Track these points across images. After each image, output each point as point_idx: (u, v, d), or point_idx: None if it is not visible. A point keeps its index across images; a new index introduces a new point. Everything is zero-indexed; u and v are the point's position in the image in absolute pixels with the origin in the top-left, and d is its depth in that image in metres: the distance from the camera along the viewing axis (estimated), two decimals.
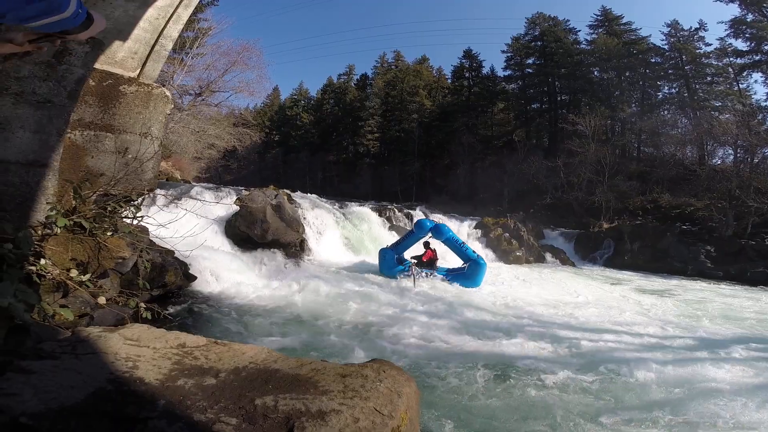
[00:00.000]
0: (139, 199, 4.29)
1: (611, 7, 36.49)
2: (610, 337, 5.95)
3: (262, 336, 4.76)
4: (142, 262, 4.20)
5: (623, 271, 15.42)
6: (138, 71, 4.70)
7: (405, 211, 16.78)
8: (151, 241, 4.82)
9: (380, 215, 14.38)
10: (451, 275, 9.22)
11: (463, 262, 9.75)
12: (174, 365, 2.02)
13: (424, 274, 9.02)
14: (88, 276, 3.31)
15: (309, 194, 15.12)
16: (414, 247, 10.25)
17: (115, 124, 4.43)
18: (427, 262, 9.54)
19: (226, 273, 6.92)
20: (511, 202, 26.14)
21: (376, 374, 2.18)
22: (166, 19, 4.56)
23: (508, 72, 39.92)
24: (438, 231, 9.87)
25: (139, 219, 4.24)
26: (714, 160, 24.77)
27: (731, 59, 29.30)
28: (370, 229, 12.71)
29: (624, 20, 35.49)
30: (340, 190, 37.08)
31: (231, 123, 23.73)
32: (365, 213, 13.52)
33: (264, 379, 2.07)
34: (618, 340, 5.82)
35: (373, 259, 11.12)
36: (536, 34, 38.11)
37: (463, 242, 10.33)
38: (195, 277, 6.24)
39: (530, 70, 38.51)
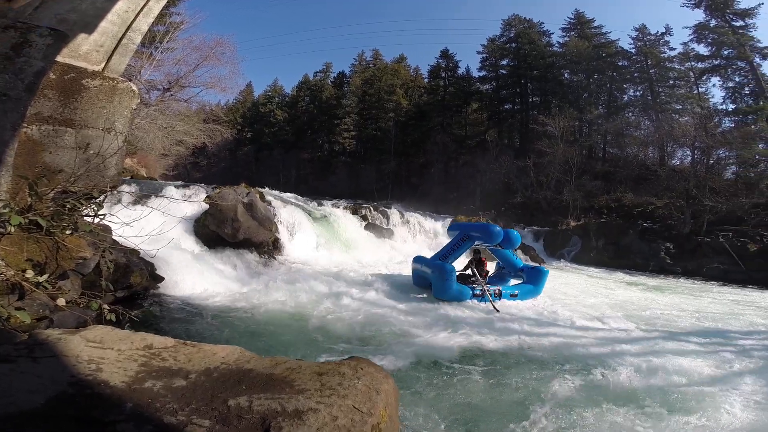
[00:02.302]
0: (101, 197, 4.10)
1: (584, 11, 37.87)
2: (591, 333, 6.13)
3: (235, 337, 4.66)
4: (105, 262, 4.01)
5: (589, 268, 16.05)
6: (103, 65, 4.49)
7: (381, 209, 16.84)
8: (115, 240, 4.62)
9: (355, 214, 14.35)
10: (516, 290, 7.80)
11: (510, 271, 8.55)
12: (141, 367, 1.95)
13: (492, 291, 7.32)
14: (45, 277, 3.14)
15: (282, 192, 14.91)
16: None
17: (76, 118, 4.22)
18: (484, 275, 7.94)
19: (195, 273, 6.72)
20: (483, 200, 26.65)
21: (353, 372, 2.17)
22: (136, 12, 4.39)
23: (483, 73, 40.61)
24: (510, 240, 8.00)
25: (101, 217, 4.05)
26: (673, 161, 26.14)
27: (693, 63, 30.88)
28: (344, 228, 12.65)
29: (595, 24, 36.72)
30: (314, 188, 36.68)
31: (201, 119, 23.02)
32: (339, 212, 13.45)
33: (237, 379, 2.03)
34: (599, 336, 6.00)
35: (347, 257, 11.09)
36: (511, 35, 38.88)
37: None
38: (162, 278, 6.03)
39: (504, 72, 39.22)
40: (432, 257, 8.16)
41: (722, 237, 16.82)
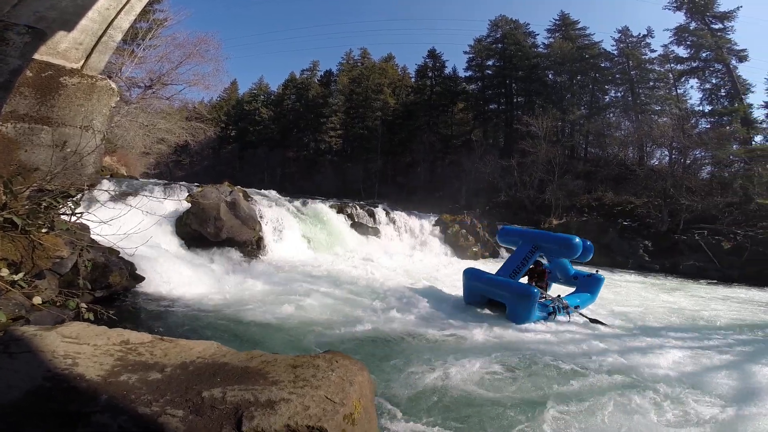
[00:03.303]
0: (78, 195, 4.07)
1: (569, 12, 38.41)
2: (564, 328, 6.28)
3: (215, 334, 4.66)
4: (83, 261, 3.99)
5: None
6: (82, 62, 4.46)
7: (367, 208, 16.89)
8: (93, 239, 4.58)
9: (341, 212, 14.37)
10: (578, 299, 7.24)
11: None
12: (117, 361, 2.00)
13: (562, 307, 6.70)
14: (21, 275, 3.13)
15: (267, 191, 14.82)
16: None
17: (54, 116, 4.19)
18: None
19: (177, 273, 6.68)
20: (468, 199, 26.98)
21: (328, 364, 2.24)
22: (118, 9, 4.36)
23: (469, 72, 40.88)
24: (587, 253, 7.27)
25: (78, 216, 4.02)
26: (652, 161, 26.90)
27: (672, 65, 31.54)
28: (330, 227, 12.67)
29: (580, 25, 37.16)
30: (300, 187, 36.50)
31: (183, 117, 22.73)
32: (326, 210, 13.45)
33: (212, 372, 2.09)
34: (573, 331, 6.16)
35: (334, 256, 11.09)
36: (498, 36, 39.17)
37: None
38: (143, 278, 6.00)
39: (490, 72, 39.46)
40: (498, 273, 7.14)
41: (698, 235, 17.38)
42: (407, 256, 14.53)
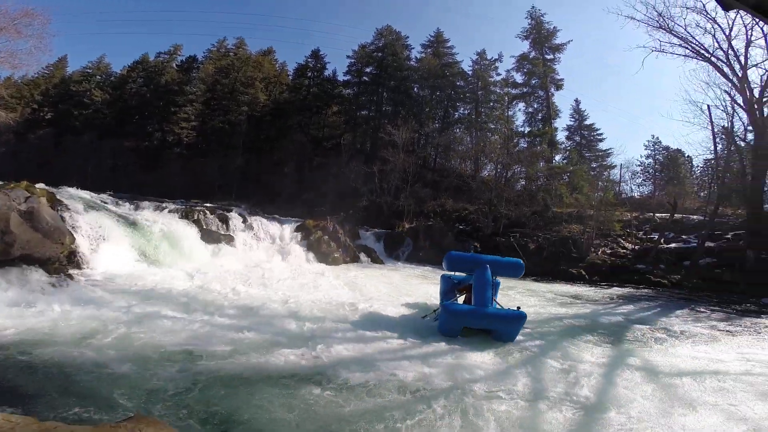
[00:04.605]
0: None
1: (444, 31, 42.03)
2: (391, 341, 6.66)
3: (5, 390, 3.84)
4: None
5: (421, 266, 18.13)
6: None
7: (218, 212, 15.66)
8: None
9: (185, 218, 13.06)
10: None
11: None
12: None
13: None
14: None
15: (86, 192, 12.48)
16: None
17: None
18: None
19: None
20: (334, 203, 27.57)
21: None
22: None
23: (347, 77, 41.54)
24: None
25: None
26: (483, 173, 31.68)
27: (510, 89, 37.00)
28: (171, 236, 11.41)
29: (449, 44, 41.00)
30: (139, 182, 31.50)
31: None
32: (165, 217, 12.10)
33: None
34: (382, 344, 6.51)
35: (171, 271, 10.19)
36: (380, 45, 40.73)
37: None
38: None
39: (366, 79, 40.70)
40: (476, 303, 7.32)
41: (512, 238, 21.32)
42: (265, 262, 14.06)
